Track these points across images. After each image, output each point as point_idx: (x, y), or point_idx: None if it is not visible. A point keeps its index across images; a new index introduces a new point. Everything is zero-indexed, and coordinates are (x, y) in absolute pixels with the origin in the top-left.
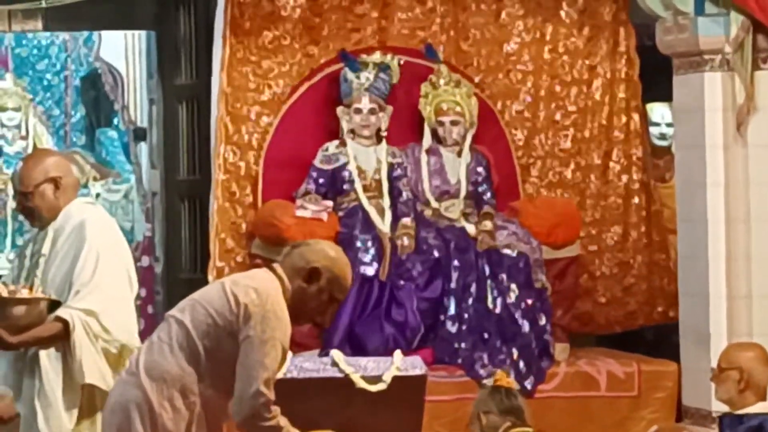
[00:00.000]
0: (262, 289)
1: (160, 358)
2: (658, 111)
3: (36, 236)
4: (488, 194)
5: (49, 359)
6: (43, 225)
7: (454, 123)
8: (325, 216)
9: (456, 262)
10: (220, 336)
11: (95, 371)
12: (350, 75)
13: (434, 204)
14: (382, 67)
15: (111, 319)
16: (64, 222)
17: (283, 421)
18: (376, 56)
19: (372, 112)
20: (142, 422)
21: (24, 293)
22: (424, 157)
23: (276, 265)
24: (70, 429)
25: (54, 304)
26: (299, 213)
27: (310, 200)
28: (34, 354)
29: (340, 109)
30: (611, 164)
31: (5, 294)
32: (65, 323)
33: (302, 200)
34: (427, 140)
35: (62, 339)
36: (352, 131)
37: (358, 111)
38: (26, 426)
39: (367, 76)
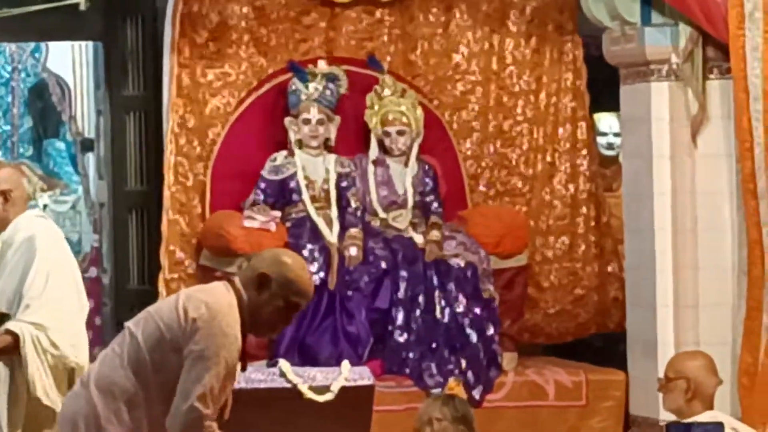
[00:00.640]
0: (213, 304)
1: (109, 371)
2: (606, 121)
3: None
4: (435, 204)
5: None
6: None
7: (400, 133)
8: (273, 226)
9: (404, 273)
10: (166, 350)
11: (44, 386)
12: (299, 85)
13: (382, 214)
14: (330, 78)
15: (60, 335)
16: (13, 234)
17: None
18: (324, 67)
19: (320, 122)
20: None
21: None
22: (371, 168)
23: (235, 278)
24: None
25: (2, 317)
26: (247, 223)
27: (258, 210)
28: None
29: (287, 120)
30: (557, 174)
31: None
32: (15, 337)
33: (250, 211)
34: (373, 151)
35: (11, 353)
36: (299, 141)
37: (307, 121)
38: None
39: (315, 86)
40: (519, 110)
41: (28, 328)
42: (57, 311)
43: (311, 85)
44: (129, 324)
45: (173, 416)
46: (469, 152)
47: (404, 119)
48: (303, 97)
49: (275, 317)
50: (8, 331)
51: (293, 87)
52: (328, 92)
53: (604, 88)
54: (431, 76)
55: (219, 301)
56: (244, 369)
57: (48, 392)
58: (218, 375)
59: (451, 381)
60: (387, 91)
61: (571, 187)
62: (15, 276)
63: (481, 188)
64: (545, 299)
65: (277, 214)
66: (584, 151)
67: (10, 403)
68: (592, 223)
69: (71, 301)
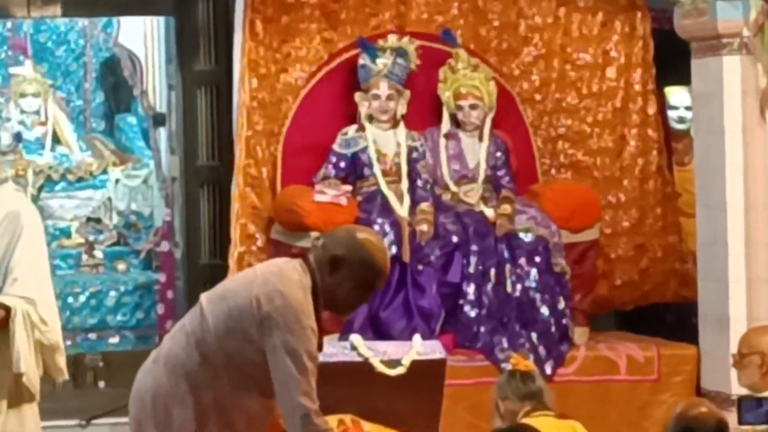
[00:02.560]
0: (288, 296)
1: (178, 349)
2: (677, 95)
3: None
4: (507, 178)
5: None
6: None
7: (473, 107)
8: (343, 200)
9: (475, 247)
10: (238, 339)
11: (30, 361)
12: (367, 61)
13: (453, 188)
14: (400, 53)
15: (48, 311)
16: None
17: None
18: (393, 41)
19: (390, 97)
20: (154, 414)
21: None
22: (442, 142)
23: (310, 256)
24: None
25: None
26: (318, 198)
27: (329, 185)
28: None
29: (358, 95)
30: (627, 148)
31: None
32: (6, 310)
33: (321, 185)
34: (445, 125)
35: (1, 328)
36: (370, 116)
37: (377, 97)
38: None
39: (384, 61)
40: (585, 84)
41: (19, 302)
42: (45, 287)
43: (380, 61)
44: (203, 299)
45: (286, 419)
46: (534, 125)
47: (477, 93)
48: (372, 72)
49: (351, 297)
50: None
51: (362, 62)
52: (397, 67)
53: (674, 61)
54: (499, 49)
55: (294, 292)
56: (320, 349)
57: (28, 370)
58: (306, 367)
59: (514, 356)
60: (460, 65)
61: (640, 160)
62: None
63: (545, 161)
64: (613, 271)
65: (348, 188)
66: (653, 125)
67: None
68: (661, 197)
69: (49, 279)
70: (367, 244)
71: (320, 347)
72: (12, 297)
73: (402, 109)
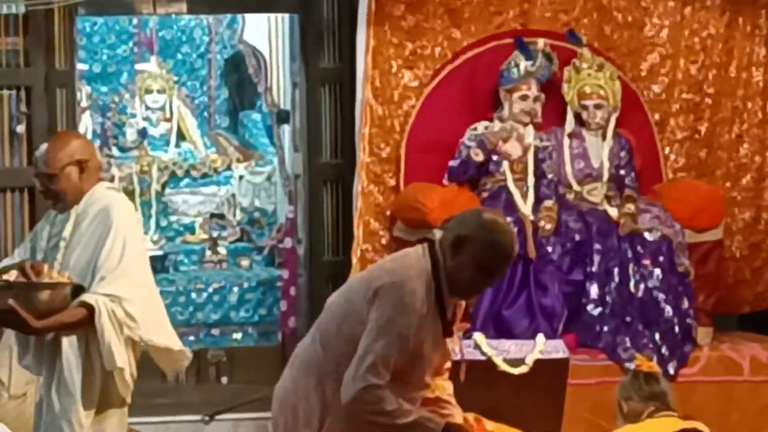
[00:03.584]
0: (398, 273)
1: (304, 347)
2: None
3: (54, 219)
4: (630, 177)
5: (71, 347)
6: (66, 208)
7: (597, 107)
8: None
9: (598, 246)
10: (353, 323)
11: (123, 359)
12: (521, 60)
13: (576, 187)
14: (547, 54)
15: (136, 307)
16: (87, 206)
17: (403, 407)
18: (542, 44)
19: (536, 99)
20: (282, 414)
21: (51, 277)
22: (566, 141)
23: (436, 239)
24: (87, 425)
25: (76, 290)
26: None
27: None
28: (55, 341)
29: (503, 94)
30: (744, 146)
31: (33, 278)
32: (90, 309)
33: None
34: (569, 124)
35: (85, 326)
36: (513, 116)
37: (525, 97)
38: (43, 414)
39: (536, 63)
40: (709, 83)
41: (103, 300)
42: (133, 283)
43: (533, 61)
44: (332, 295)
45: (345, 386)
46: (657, 126)
47: (602, 92)
48: (523, 73)
49: (473, 280)
50: (83, 303)
51: (516, 61)
52: (545, 69)
53: None
54: (624, 48)
55: (405, 270)
56: (449, 335)
57: (124, 366)
58: (391, 344)
59: (638, 357)
60: (585, 65)
61: (758, 159)
62: (89, 248)
63: (670, 162)
64: (737, 269)
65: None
66: None
67: (84, 380)
68: None
69: (147, 274)
70: (493, 224)
71: (449, 333)
72: (96, 295)
73: (539, 111)
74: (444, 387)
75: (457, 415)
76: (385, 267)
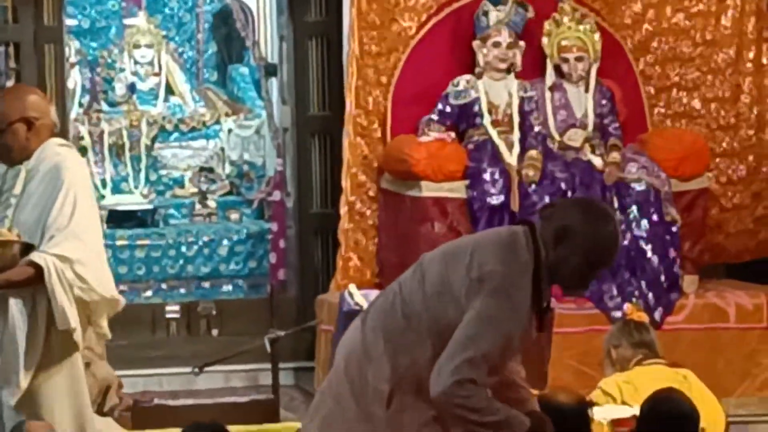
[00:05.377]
0: (505, 264)
1: (381, 309)
2: None
3: (5, 175)
4: (614, 126)
5: (16, 305)
6: (13, 163)
7: (578, 59)
8: (449, 137)
9: (581, 195)
10: (446, 301)
11: (68, 318)
12: (490, 8)
13: (557, 138)
14: (518, 2)
15: (86, 269)
16: (38, 162)
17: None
18: None
19: (510, 46)
20: (347, 374)
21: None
22: (548, 94)
23: (537, 226)
24: (25, 385)
25: (26, 248)
26: (422, 139)
27: (432, 130)
28: (1, 298)
29: (476, 44)
30: (742, 96)
31: None
32: (38, 269)
33: (426, 127)
34: (550, 77)
35: (33, 285)
36: (486, 66)
37: (497, 44)
38: None
39: (506, 9)
40: (698, 33)
41: (52, 260)
42: (83, 244)
43: (503, 8)
44: (424, 259)
45: (437, 374)
46: (646, 74)
47: (582, 45)
48: (493, 20)
49: (577, 273)
50: (31, 263)
51: (484, 9)
52: (517, 16)
53: None
54: None
55: (516, 260)
56: (540, 330)
57: (76, 326)
58: (496, 342)
59: (628, 306)
60: (566, 19)
61: (756, 109)
62: (39, 206)
63: (659, 109)
64: (728, 220)
65: (451, 134)
66: None
67: (28, 337)
68: None
69: (97, 232)
70: (599, 214)
71: (541, 328)
72: (45, 255)
73: (518, 60)
74: (517, 370)
75: (530, 398)
76: (493, 250)
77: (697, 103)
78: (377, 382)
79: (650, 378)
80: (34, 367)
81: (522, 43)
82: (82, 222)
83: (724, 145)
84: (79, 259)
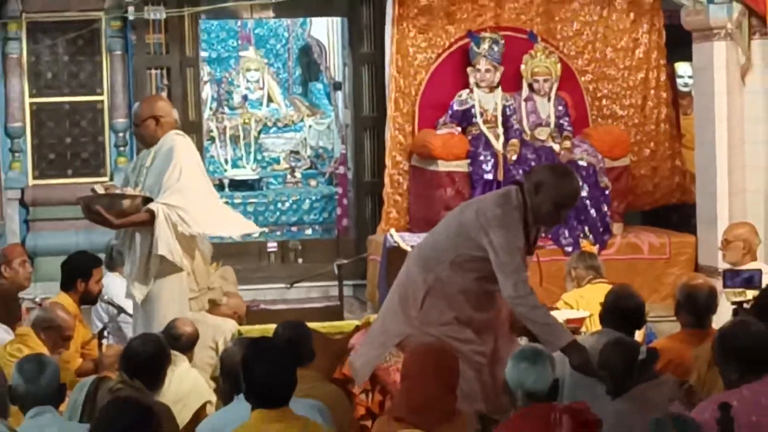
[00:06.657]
0: (502, 208)
1: (421, 247)
2: (683, 68)
3: (141, 155)
4: (566, 124)
5: (140, 237)
6: (147, 147)
7: (545, 80)
8: (456, 131)
9: None
10: (461, 239)
11: (166, 247)
12: (474, 46)
13: (529, 132)
14: (494, 40)
15: (187, 213)
16: (160, 146)
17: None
18: (488, 34)
19: (488, 70)
20: (398, 290)
21: (129, 191)
22: (523, 103)
23: (525, 183)
24: (139, 290)
25: (146, 200)
26: (438, 132)
27: (445, 125)
28: (131, 233)
29: (469, 69)
30: (648, 104)
31: (119, 191)
32: (152, 213)
33: (441, 125)
34: (525, 91)
35: (149, 224)
36: (476, 83)
37: (479, 70)
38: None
39: (484, 46)
40: (621, 61)
41: (161, 206)
42: (186, 197)
43: (482, 46)
44: (447, 214)
45: (517, 302)
46: (587, 89)
47: (548, 72)
48: (477, 52)
49: (550, 213)
50: (148, 209)
51: (472, 47)
52: (493, 50)
53: (681, 45)
54: (560, 36)
55: (506, 205)
56: (530, 254)
57: (173, 252)
58: (517, 261)
59: (583, 242)
60: (538, 53)
61: (656, 111)
62: (158, 173)
63: (594, 113)
64: (637, 185)
65: (458, 129)
66: (665, 88)
67: (143, 257)
68: (669, 136)
69: (198, 190)
70: (563, 172)
71: (531, 252)
72: (158, 204)
73: (497, 79)
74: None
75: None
76: (494, 200)
77: (618, 109)
78: (415, 293)
79: (598, 293)
80: (144, 283)
81: (501, 67)
82: (185, 182)
83: (637, 136)
84: (183, 206)
